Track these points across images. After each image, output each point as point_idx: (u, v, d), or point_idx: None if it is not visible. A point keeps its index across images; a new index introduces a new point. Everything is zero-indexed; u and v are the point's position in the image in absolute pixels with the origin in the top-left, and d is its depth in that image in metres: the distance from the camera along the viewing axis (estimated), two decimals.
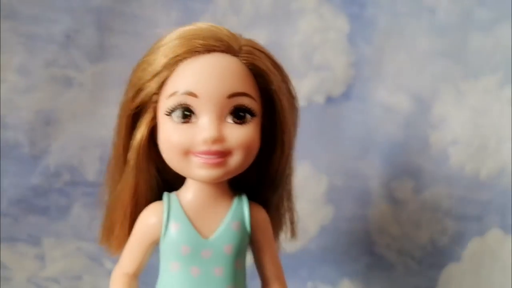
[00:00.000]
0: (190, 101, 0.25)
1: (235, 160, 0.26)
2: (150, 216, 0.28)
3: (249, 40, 0.27)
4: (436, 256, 0.51)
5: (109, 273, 0.42)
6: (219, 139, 0.25)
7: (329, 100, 0.46)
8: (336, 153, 0.46)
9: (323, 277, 0.47)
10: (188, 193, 0.28)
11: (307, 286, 0.47)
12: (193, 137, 0.25)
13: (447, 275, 0.52)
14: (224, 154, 0.26)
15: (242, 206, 0.28)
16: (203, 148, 0.25)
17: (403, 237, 0.50)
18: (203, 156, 0.25)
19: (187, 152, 0.26)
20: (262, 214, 0.29)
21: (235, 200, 0.28)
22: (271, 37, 0.44)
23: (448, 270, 0.52)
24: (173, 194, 0.28)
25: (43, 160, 0.40)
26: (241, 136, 0.26)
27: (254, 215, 0.28)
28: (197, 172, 0.26)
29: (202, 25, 0.27)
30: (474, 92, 0.51)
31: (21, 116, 0.39)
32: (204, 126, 0.25)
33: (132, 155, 0.27)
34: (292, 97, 0.29)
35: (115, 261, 0.43)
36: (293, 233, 0.32)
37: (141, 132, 0.27)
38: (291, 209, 0.32)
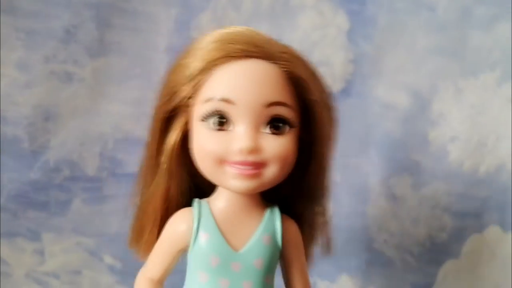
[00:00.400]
0: (226, 108, 0.25)
1: (271, 172, 0.25)
2: (180, 223, 0.27)
3: (287, 47, 0.27)
4: (435, 253, 0.52)
5: (108, 268, 0.43)
6: (255, 150, 0.25)
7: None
8: (335, 150, 0.47)
9: (321, 273, 0.48)
10: (220, 202, 0.27)
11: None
12: (229, 145, 0.25)
13: (446, 272, 0.52)
14: (259, 166, 0.25)
15: (274, 219, 0.27)
16: (239, 158, 0.25)
17: (401, 233, 0.50)
18: (238, 166, 0.25)
19: (221, 161, 0.25)
20: (293, 228, 0.28)
21: (267, 213, 0.27)
22: (271, 33, 0.44)
23: (447, 266, 0.52)
24: (204, 202, 0.27)
25: (42, 155, 0.40)
26: (278, 147, 0.25)
27: (286, 229, 0.28)
28: (231, 183, 0.25)
29: (240, 28, 0.26)
30: (473, 89, 0.52)
31: (21, 112, 0.40)
32: (240, 135, 0.25)
33: (164, 159, 0.27)
34: (331, 109, 0.28)
35: (115, 256, 0.43)
36: (329, 250, 0.31)
37: (174, 136, 0.26)
38: (325, 225, 0.31)
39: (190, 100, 0.26)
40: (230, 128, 0.25)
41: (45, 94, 0.40)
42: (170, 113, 0.27)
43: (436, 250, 0.52)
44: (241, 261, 0.26)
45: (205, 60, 0.25)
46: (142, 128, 0.43)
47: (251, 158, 0.24)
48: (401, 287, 0.51)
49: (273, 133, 0.25)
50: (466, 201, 0.52)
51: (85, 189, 0.41)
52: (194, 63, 0.25)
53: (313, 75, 0.27)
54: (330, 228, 0.31)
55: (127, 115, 0.42)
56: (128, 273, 0.44)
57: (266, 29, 0.44)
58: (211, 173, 0.26)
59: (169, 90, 0.26)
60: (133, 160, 0.42)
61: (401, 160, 0.50)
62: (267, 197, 0.28)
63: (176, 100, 0.26)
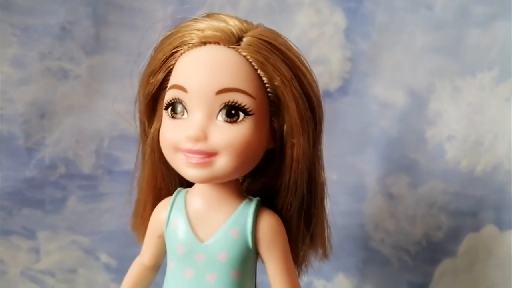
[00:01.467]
0: (181, 95, 0.25)
1: (223, 162, 0.24)
2: (159, 211, 0.28)
3: (258, 30, 0.25)
4: (431, 252, 0.52)
5: (104, 266, 0.44)
6: (202, 138, 0.24)
7: (326, 94, 0.47)
8: (332, 148, 0.47)
9: (318, 272, 0.48)
10: (193, 192, 0.27)
11: (303, 280, 0.48)
12: (181, 133, 0.25)
13: (442, 271, 0.53)
14: (209, 155, 0.24)
15: (247, 213, 0.26)
16: (187, 146, 0.24)
17: (398, 232, 0.51)
18: (187, 154, 0.25)
19: (176, 149, 0.25)
20: (270, 222, 0.27)
21: (241, 206, 0.26)
22: None
23: (443, 265, 0.53)
24: (184, 191, 0.28)
25: (38, 152, 0.41)
26: (229, 136, 0.24)
27: (260, 223, 0.26)
28: (184, 171, 0.25)
29: (209, 16, 0.26)
30: (470, 88, 0.52)
31: (16, 109, 0.40)
32: (190, 123, 0.25)
33: (146, 148, 0.28)
34: (307, 95, 0.26)
35: (111, 255, 0.44)
36: (325, 253, 0.30)
37: (154, 126, 0.27)
38: (320, 224, 0.29)
39: (161, 90, 0.26)
40: (185, 116, 0.25)
41: (41, 91, 0.40)
42: (146, 106, 0.27)
43: (433, 249, 0.52)
44: (205, 252, 0.26)
45: (166, 51, 0.26)
46: (138, 126, 0.44)
47: (198, 147, 0.24)
48: (397, 286, 0.51)
49: (227, 121, 0.24)
50: (463, 200, 0.53)
51: (81, 187, 0.42)
52: (159, 55, 0.26)
53: (285, 60, 0.25)
54: (326, 229, 0.29)
55: (123, 112, 0.42)
56: (124, 271, 0.44)
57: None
58: (171, 161, 0.26)
59: (143, 84, 0.28)
60: (129, 158, 0.43)
61: (398, 159, 0.50)
62: (252, 190, 0.28)
63: (146, 93, 0.27)
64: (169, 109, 0.25)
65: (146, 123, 0.28)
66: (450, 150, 0.52)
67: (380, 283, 0.51)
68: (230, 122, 0.24)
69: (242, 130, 0.24)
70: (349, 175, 0.48)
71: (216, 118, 0.24)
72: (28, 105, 0.40)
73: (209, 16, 0.26)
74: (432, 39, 0.50)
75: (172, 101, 0.25)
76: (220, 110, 0.24)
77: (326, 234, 0.30)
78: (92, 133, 0.42)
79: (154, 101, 0.27)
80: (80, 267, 0.42)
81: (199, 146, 0.24)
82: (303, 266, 0.31)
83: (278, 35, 0.26)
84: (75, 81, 0.41)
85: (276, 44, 0.25)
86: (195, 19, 0.26)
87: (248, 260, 0.27)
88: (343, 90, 0.48)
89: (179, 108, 0.25)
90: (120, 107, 0.43)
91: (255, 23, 0.26)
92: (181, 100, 0.25)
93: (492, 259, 0.56)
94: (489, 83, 0.53)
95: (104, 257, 0.42)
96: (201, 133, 0.24)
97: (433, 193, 0.52)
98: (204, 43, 0.25)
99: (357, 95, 0.48)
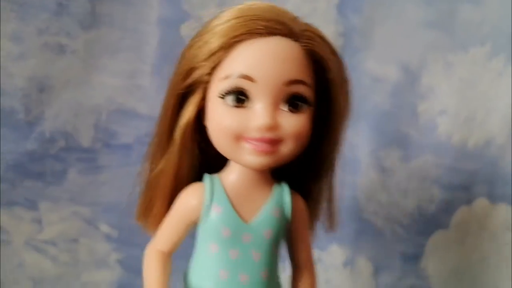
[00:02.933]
0: (246, 85, 0.25)
1: (286, 149, 0.26)
2: (192, 197, 0.28)
3: (309, 25, 0.27)
4: (424, 224, 0.54)
5: (104, 236, 0.46)
6: (273, 127, 0.26)
7: None
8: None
9: (312, 242, 0.50)
10: (231, 176, 0.29)
11: None
12: (247, 122, 0.26)
13: (434, 242, 0.55)
14: (276, 142, 0.26)
15: (284, 194, 0.29)
16: (257, 135, 0.26)
17: (391, 205, 0.53)
18: (256, 142, 0.26)
19: (238, 137, 0.26)
20: (301, 203, 0.30)
21: (277, 188, 0.29)
22: None
23: (435, 237, 0.55)
24: (216, 177, 0.29)
25: (38, 126, 0.42)
26: (295, 125, 0.26)
27: (294, 203, 0.29)
28: (247, 158, 0.26)
29: (262, 5, 0.26)
30: (462, 63, 0.54)
31: (15, 83, 0.42)
32: (259, 112, 0.25)
33: (178, 135, 0.28)
34: (347, 88, 0.29)
35: (111, 225, 0.46)
36: (332, 225, 0.33)
37: (189, 112, 0.27)
38: (331, 201, 0.32)
39: (208, 76, 0.26)
40: (248, 105, 0.26)
41: (39, 66, 0.42)
42: (186, 90, 0.27)
43: (425, 221, 0.54)
44: (251, 232, 0.28)
45: (226, 36, 0.25)
46: (135, 99, 0.46)
47: (268, 135, 0.26)
48: (390, 257, 0.54)
49: (291, 111, 0.26)
50: (455, 173, 0.55)
51: (80, 160, 0.44)
52: (215, 38, 0.26)
53: (333, 54, 0.27)
54: (335, 203, 0.32)
55: (120, 87, 0.44)
56: (124, 241, 0.47)
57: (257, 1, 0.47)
58: (227, 149, 0.27)
59: (187, 66, 0.27)
60: (127, 131, 0.45)
61: (390, 133, 0.52)
62: (277, 174, 0.30)
63: (194, 77, 0.27)
64: (229, 98, 0.26)
65: (173, 113, 0.28)
66: (442, 125, 0.54)
67: (373, 253, 0.53)
68: (294, 111, 0.26)
69: (303, 119, 0.26)
70: (342, 148, 0.50)
71: (281, 107, 0.26)
72: (27, 79, 0.42)
73: (256, 4, 0.27)
74: (425, 14, 0.51)
75: (235, 90, 0.25)
76: (285, 100, 0.26)
77: (334, 209, 0.33)
78: (90, 107, 0.43)
79: (188, 90, 0.27)
80: (82, 237, 0.44)
81: (270, 135, 0.26)
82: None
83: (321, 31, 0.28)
84: (72, 55, 0.42)
85: (327, 39, 0.28)
86: (250, 7, 0.26)
87: (283, 235, 0.30)
88: None
89: (242, 97, 0.26)
90: (116, 81, 0.45)
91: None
92: (245, 89, 0.25)
93: (484, 231, 0.58)
94: (482, 58, 0.54)
95: (104, 228, 0.45)
96: (274, 122, 0.26)
97: (425, 166, 0.54)
98: (270, 34, 0.25)
99: (350, 70, 0.49)
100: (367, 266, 0.53)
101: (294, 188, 0.30)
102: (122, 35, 0.43)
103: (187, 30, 0.44)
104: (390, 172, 0.52)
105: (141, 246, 0.31)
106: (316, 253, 0.51)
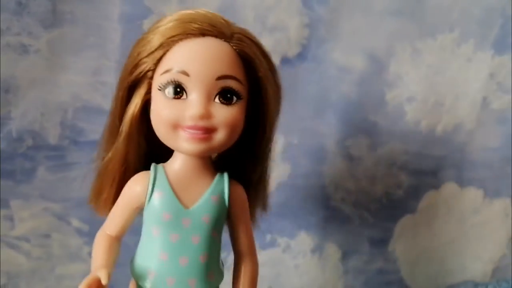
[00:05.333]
0: (182, 79, 0.29)
1: (219, 137, 0.30)
2: (137, 184, 0.32)
3: (242, 29, 0.31)
4: (391, 209, 0.58)
5: (76, 230, 0.49)
6: (205, 116, 0.29)
7: (285, 61, 0.50)
8: (292, 113, 0.51)
9: (281, 230, 0.54)
10: (174, 164, 0.32)
11: (266, 238, 0.53)
12: (182, 112, 0.29)
13: (402, 226, 0.59)
14: (209, 130, 0.30)
15: (223, 182, 0.33)
16: (190, 123, 0.29)
17: (358, 191, 0.56)
18: (190, 130, 0.29)
19: (175, 126, 0.30)
20: (240, 190, 0.33)
21: (217, 176, 0.33)
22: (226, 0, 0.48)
23: (403, 221, 0.59)
24: (160, 166, 0.32)
25: (5, 126, 0.44)
26: (226, 115, 0.30)
27: (233, 191, 0.33)
28: (183, 145, 0.30)
29: (200, 10, 0.31)
30: (430, 50, 0.55)
31: None
32: (193, 103, 0.29)
33: (125, 126, 0.31)
34: (277, 86, 0.33)
35: (82, 220, 0.49)
36: (265, 209, 0.37)
37: (135, 103, 0.31)
38: (265, 187, 0.36)
39: (151, 72, 0.30)
40: (185, 97, 0.30)
41: (3, 66, 0.43)
42: (132, 83, 0.31)
43: (393, 206, 0.58)
44: (190, 217, 0.31)
45: (164, 36, 0.30)
46: (100, 96, 0.47)
47: (201, 123, 0.29)
48: (359, 242, 0.57)
49: (223, 103, 0.30)
50: (423, 159, 0.58)
51: (49, 157, 0.46)
52: (156, 38, 0.30)
53: (263, 55, 0.32)
54: (268, 189, 0.36)
55: (85, 84, 0.45)
56: (95, 234, 0.49)
57: None
58: (166, 137, 0.31)
59: (132, 62, 0.31)
60: (93, 128, 0.47)
61: (358, 122, 0.54)
62: (218, 163, 0.34)
63: (137, 72, 0.31)
64: (167, 90, 0.30)
65: (122, 105, 0.32)
66: (410, 112, 0.56)
67: (341, 239, 0.56)
68: (226, 104, 0.30)
69: (235, 110, 0.30)
70: (309, 138, 0.53)
71: (214, 100, 0.30)
72: None
73: (195, 10, 0.31)
74: (391, 2, 0.52)
75: (171, 83, 0.29)
76: (217, 93, 0.30)
77: (268, 194, 0.37)
78: (56, 105, 0.45)
79: (134, 84, 0.31)
80: (54, 232, 0.47)
81: (203, 123, 0.29)
82: (252, 222, 0.37)
83: (254, 35, 0.32)
84: (36, 55, 0.44)
85: (257, 42, 0.32)
86: (188, 12, 0.31)
87: (222, 221, 0.33)
88: (301, 56, 0.51)
89: (178, 89, 0.29)
90: (81, 79, 0.46)
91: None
92: (181, 83, 0.29)
93: (452, 214, 0.61)
94: (450, 44, 0.56)
95: (75, 222, 0.47)
96: (206, 112, 0.29)
97: (393, 153, 0.57)
98: (203, 35, 0.30)
99: (316, 61, 0.51)
100: (336, 251, 0.56)
101: (236, 178, 0.34)
102: (85, 33, 0.45)
103: (149, 26, 0.46)
104: (358, 160, 0.55)
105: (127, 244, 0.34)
106: (284, 241, 0.55)
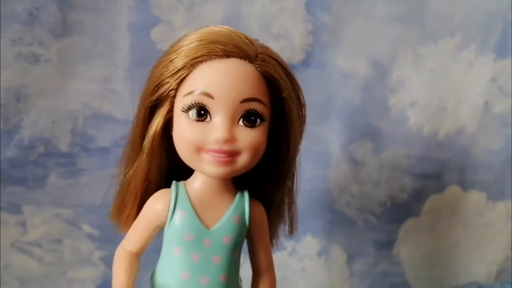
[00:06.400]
0: (206, 101, 0.29)
1: (243, 160, 0.30)
2: (158, 202, 0.32)
3: (265, 48, 0.31)
4: (396, 212, 0.59)
5: (87, 236, 0.50)
6: (230, 140, 0.29)
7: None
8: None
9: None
10: (195, 184, 0.32)
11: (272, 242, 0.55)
12: (206, 135, 0.29)
13: (406, 229, 0.60)
14: (233, 154, 0.30)
15: (244, 202, 0.33)
16: (215, 147, 0.29)
17: (363, 195, 0.57)
18: (214, 154, 0.29)
19: (199, 149, 0.30)
20: (260, 210, 0.34)
21: (238, 196, 0.33)
22: (229, 8, 0.49)
23: (407, 225, 0.60)
24: (181, 184, 0.32)
25: (17, 134, 0.46)
26: (250, 138, 0.30)
27: (253, 211, 0.33)
28: (207, 168, 0.30)
29: (222, 29, 0.31)
30: (432, 55, 0.57)
31: None
32: (217, 126, 0.29)
33: (147, 143, 0.31)
34: (300, 105, 0.33)
35: (93, 225, 0.50)
36: (292, 230, 0.37)
37: (157, 122, 0.31)
38: (291, 208, 0.36)
39: (173, 92, 0.30)
40: (209, 119, 0.30)
41: (15, 75, 0.45)
42: (154, 102, 0.31)
43: (397, 210, 0.59)
44: (212, 237, 0.31)
45: (188, 56, 0.30)
46: (109, 104, 0.49)
47: (226, 147, 0.29)
48: (363, 245, 0.58)
49: (247, 126, 0.30)
50: (426, 163, 0.59)
51: (60, 164, 0.47)
52: (178, 58, 0.30)
53: (287, 75, 0.32)
54: (295, 210, 0.37)
55: (94, 92, 0.47)
56: (106, 239, 0.51)
57: (224, 4, 0.49)
58: (189, 159, 0.31)
59: (154, 82, 0.31)
60: (103, 135, 0.49)
61: (361, 127, 0.56)
62: (240, 182, 0.34)
63: (159, 92, 0.31)
64: (190, 112, 0.30)
65: (143, 123, 0.32)
66: (413, 116, 0.57)
67: (347, 242, 0.57)
68: (249, 126, 0.30)
69: (259, 133, 0.30)
70: (314, 143, 0.54)
71: (238, 122, 0.30)
72: (4, 90, 0.45)
73: (217, 28, 0.31)
74: (394, 8, 0.54)
75: (196, 105, 0.29)
76: (241, 116, 0.30)
77: (294, 215, 0.37)
78: (67, 113, 0.47)
79: (156, 103, 0.31)
80: (65, 237, 0.48)
81: (227, 147, 0.29)
82: (274, 242, 0.38)
83: (279, 54, 0.32)
84: (46, 64, 0.45)
85: (281, 61, 0.32)
86: (211, 31, 0.31)
87: (243, 241, 0.33)
88: (306, 62, 0.52)
89: (202, 112, 0.29)
90: (90, 87, 0.48)
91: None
92: (205, 105, 0.29)
93: (456, 217, 0.62)
94: (452, 49, 0.58)
95: (86, 228, 0.49)
96: (231, 136, 0.29)
97: (397, 157, 0.58)
98: (227, 56, 0.30)
99: (320, 67, 0.53)
100: (341, 254, 0.57)
101: (257, 197, 0.34)
102: (94, 42, 0.46)
103: (157, 34, 0.47)
104: (362, 164, 0.56)
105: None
106: (291, 244, 0.56)
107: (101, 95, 0.47)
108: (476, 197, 0.63)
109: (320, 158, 0.54)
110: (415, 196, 0.59)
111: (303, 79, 0.54)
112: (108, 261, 0.49)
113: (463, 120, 0.59)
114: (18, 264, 0.47)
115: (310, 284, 0.57)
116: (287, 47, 0.51)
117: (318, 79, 0.53)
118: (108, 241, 0.49)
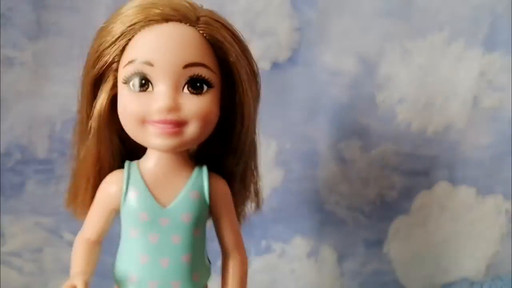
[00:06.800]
0: (146, 70, 0.27)
1: (191, 130, 0.28)
2: (111, 184, 0.31)
3: (209, 11, 0.30)
4: (385, 210, 0.58)
5: (69, 244, 0.48)
6: (174, 109, 0.27)
7: (275, 65, 0.51)
8: (284, 118, 0.52)
9: (275, 235, 0.54)
10: (148, 162, 0.30)
11: (261, 244, 0.54)
12: (149, 106, 0.28)
13: (397, 227, 0.60)
14: (179, 124, 0.28)
15: (202, 177, 0.31)
16: (159, 117, 0.28)
17: (352, 194, 0.56)
18: (159, 125, 0.28)
19: (143, 121, 0.28)
20: (221, 185, 0.32)
21: (195, 171, 0.31)
22: (213, 5, 0.47)
23: (397, 222, 0.60)
24: (134, 163, 0.31)
25: None
26: (197, 106, 0.28)
27: (213, 185, 0.31)
28: (153, 141, 0.28)
29: None
30: (420, 50, 0.56)
31: None
32: (160, 95, 0.27)
33: (93, 123, 0.29)
34: (252, 70, 0.31)
35: (75, 232, 0.48)
36: (258, 205, 0.36)
37: (102, 99, 0.29)
38: (255, 182, 0.35)
39: (115, 64, 0.29)
40: (151, 89, 0.28)
41: None
42: (97, 77, 0.29)
43: (387, 208, 0.58)
44: (169, 216, 0.30)
45: (125, 24, 0.28)
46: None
47: (170, 117, 0.28)
48: (354, 244, 0.58)
49: (193, 93, 0.28)
50: (415, 160, 0.59)
51: (38, 171, 0.46)
52: (116, 27, 0.28)
53: (234, 38, 0.30)
54: (259, 184, 0.35)
55: (73, 96, 0.45)
56: None
57: (208, 1, 0.48)
58: (135, 133, 0.29)
59: (94, 55, 0.29)
60: None
61: (349, 125, 0.55)
62: (199, 158, 0.32)
63: (100, 64, 0.29)
64: (131, 83, 0.28)
65: (88, 101, 0.30)
66: (401, 113, 0.57)
67: (337, 242, 0.57)
68: (195, 93, 0.28)
69: (206, 100, 0.28)
70: (301, 143, 0.53)
71: (182, 90, 0.28)
72: None
73: None
74: (381, 3, 0.53)
75: (136, 75, 0.28)
76: (186, 83, 0.28)
77: (259, 189, 0.36)
78: (44, 118, 0.45)
79: (99, 78, 0.30)
80: (46, 246, 0.47)
81: (172, 116, 0.28)
82: (241, 219, 0.36)
83: (224, 17, 0.30)
84: (21, 67, 0.44)
85: (227, 24, 0.30)
86: None
87: (205, 218, 0.32)
88: (292, 60, 0.51)
89: (143, 81, 0.28)
90: (68, 90, 0.46)
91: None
92: (145, 74, 0.28)
93: (446, 213, 0.62)
94: (440, 44, 0.57)
95: (67, 236, 0.47)
96: (174, 104, 0.27)
97: (385, 155, 0.57)
98: (166, 20, 0.28)
99: (307, 65, 0.52)
100: (331, 254, 0.57)
101: (219, 173, 0.32)
102: (71, 43, 0.44)
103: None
104: (351, 163, 0.56)
105: (105, 251, 0.33)
106: (279, 246, 0.55)
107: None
108: (465, 192, 0.62)
109: (308, 158, 0.53)
110: (404, 193, 0.59)
111: (289, 77, 0.54)
112: None
113: (452, 116, 0.59)
114: None
115: (300, 285, 0.56)
116: (273, 45, 0.50)
117: (305, 77, 0.52)
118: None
